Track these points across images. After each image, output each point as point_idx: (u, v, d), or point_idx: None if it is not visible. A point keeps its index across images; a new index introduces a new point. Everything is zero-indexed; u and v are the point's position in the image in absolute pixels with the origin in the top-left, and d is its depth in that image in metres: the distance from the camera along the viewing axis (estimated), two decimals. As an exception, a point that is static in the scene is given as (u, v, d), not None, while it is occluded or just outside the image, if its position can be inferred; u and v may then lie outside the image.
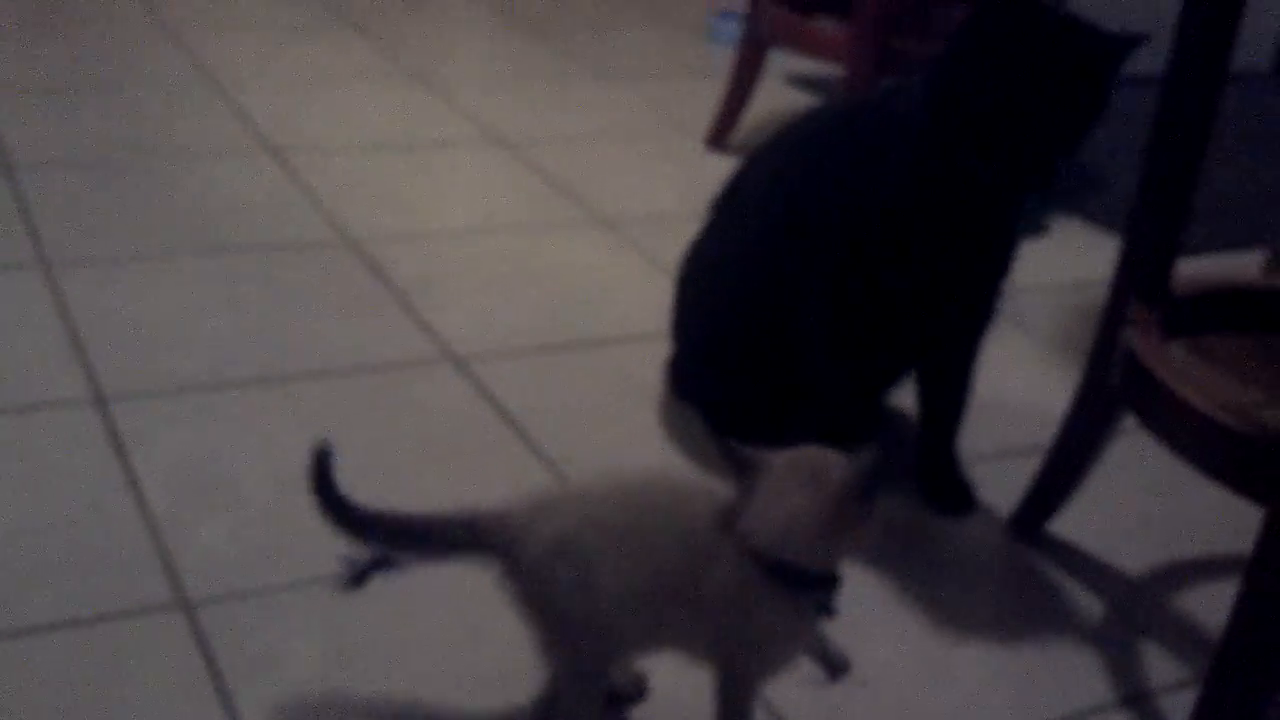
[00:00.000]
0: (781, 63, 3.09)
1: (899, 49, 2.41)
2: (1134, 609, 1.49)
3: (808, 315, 1.59)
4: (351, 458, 1.61)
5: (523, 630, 1.16)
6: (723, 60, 2.86)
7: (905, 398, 1.71)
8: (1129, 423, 1.44)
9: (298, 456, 1.59)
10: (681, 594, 1.10)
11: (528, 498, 1.17)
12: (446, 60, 3.28)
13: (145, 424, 1.63)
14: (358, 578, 1.39)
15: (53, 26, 3.16)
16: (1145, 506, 1.68)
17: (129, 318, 1.88)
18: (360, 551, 1.41)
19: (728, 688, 1.14)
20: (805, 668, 1.28)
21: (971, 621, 1.44)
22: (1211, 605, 1.47)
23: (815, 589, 1.11)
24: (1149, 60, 1.48)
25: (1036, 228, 2.49)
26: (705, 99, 2.86)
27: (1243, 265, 2.34)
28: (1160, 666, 1.40)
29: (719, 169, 1.76)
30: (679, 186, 2.53)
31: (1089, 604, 1.49)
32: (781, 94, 3.08)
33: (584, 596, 1.10)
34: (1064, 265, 2.37)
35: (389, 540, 1.22)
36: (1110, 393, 1.43)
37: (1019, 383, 1.94)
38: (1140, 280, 1.43)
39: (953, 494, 1.63)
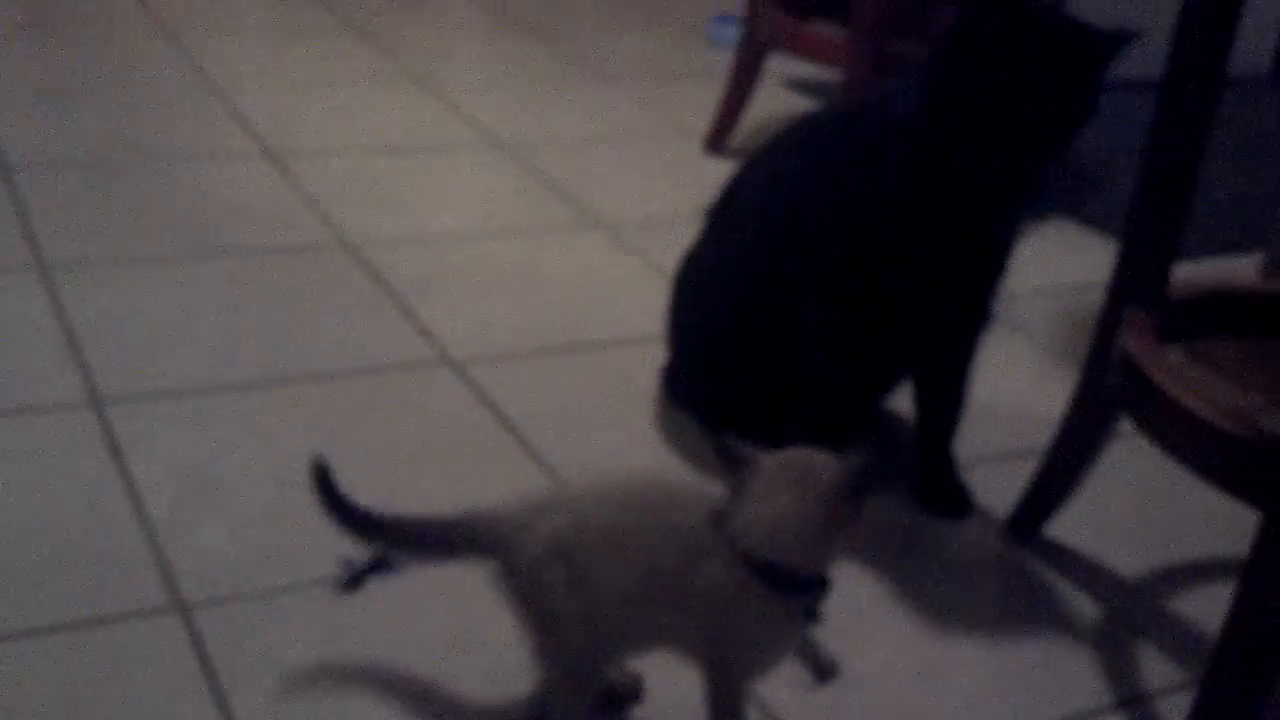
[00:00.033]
0: (780, 66, 3.09)
1: (897, 53, 2.41)
2: (1130, 612, 1.49)
3: (806, 318, 1.59)
4: (349, 460, 1.61)
5: (519, 631, 1.16)
6: (721, 63, 2.86)
7: (902, 401, 1.71)
8: (1125, 426, 1.44)
9: (295, 459, 1.59)
10: (673, 594, 1.11)
11: (522, 499, 1.18)
12: (445, 63, 3.28)
13: (142, 426, 1.63)
14: (354, 580, 1.39)
15: (51, 28, 3.16)
16: (1142, 510, 1.68)
17: (126, 320, 1.88)
18: (357, 554, 1.41)
19: (716, 687, 1.15)
20: (794, 670, 1.28)
21: (968, 624, 1.44)
22: (1208, 608, 1.47)
23: (804, 591, 1.11)
24: (1147, 64, 1.48)
25: (1040, 214, 2.49)
26: (704, 102, 2.86)
27: (1239, 269, 2.34)
28: (1157, 669, 1.40)
29: (717, 172, 1.76)
30: (677, 190, 2.53)
31: (1085, 607, 1.49)
32: (780, 97, 3.08)
33: (577, 597, 1.10)
34: (1061, 269, 2.38)
35: (392, 542, 1.22)
36: (1107, 396, 1.43)
37: (1016, 386, 1.94)
38: (1137, 284, 1.43)
39: (950, 497, 1.64)
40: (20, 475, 1.52)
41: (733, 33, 2.97)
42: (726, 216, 1.71)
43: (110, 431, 1.61)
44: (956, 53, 1.41)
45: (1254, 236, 2.39)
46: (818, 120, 1.69)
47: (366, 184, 2.44)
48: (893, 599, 1.46)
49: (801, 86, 3.20)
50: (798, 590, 1.11)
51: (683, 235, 1.79)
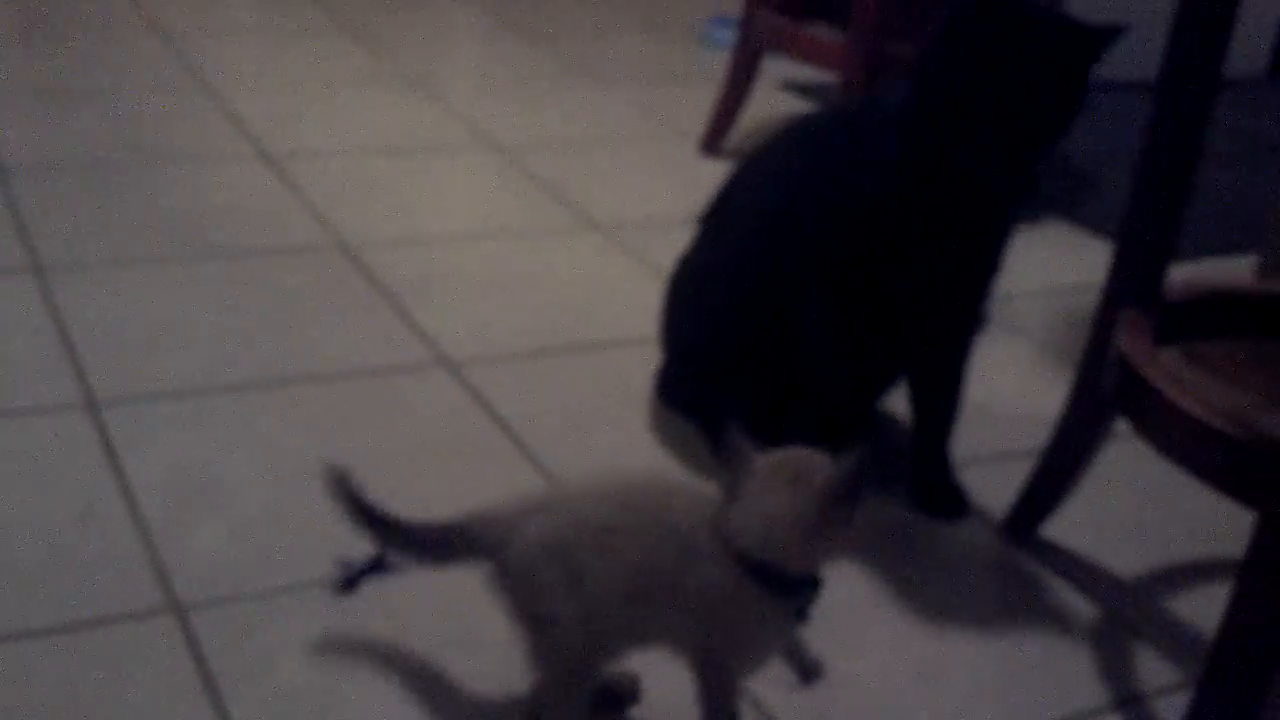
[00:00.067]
0: (776, 68, 3.10)
1: (893, 55, 2.41)
2: (1127, 612, 1.49)
3: (801, 319, 1.59)
4: (347, 461, 1.61)
5: (514, 631, 1.16)
6: (717, 65, 2.87)
7: (899, 402, 1.71)
8: (1122, 427, 1.44)
9: (292, 460, 1.60)
10: (667, 593, 1.11)
11: (515, 499, 1.18)
12: (441, 65, 3.28)
13: (138, 428, 1.63)
14: (351, 581, 1.39)
15: (47, 30, 3.16)
16: (1138, 510, 1.68)
17: (122, 322, 1.87)
18: (354, 555, 1.41)
19: (708, 685, 1.15)
20: (779, 670, 1.28)
21: (965, 625, 1.44)
22: (1204, 608, 1.48)
23: (795, 591, 1.12)
24: (1143, 65, 1.49)
25: (1036, 215, 2.49)
26: (700, 104, 2.87)
27: (1236, 270, 2.34)
28: (1154, 669, 1.40)
29: (713, 174, 1.76)
30: (674, 191, 2.53)
31: (1082, 607, 1.49)
32: (776, 100, 3.09)
33: (571, 596, 1.11)
34: (1057, 270, 2.38)
35: (404, 548, 1.22)
36: (1103, 397, 1.43)
37: (1012, 387, 1.95)
38: (1133, 285, 1.43)
39: (946, 498, 1.64)
40: (16, 477, 1.52)
41: (729, 35, 2.97)
42: (719, 220, 1.71)
43: (106, 433, 1.61)
44: (947, 50, 1.42)
45: (1250, 237, 2.39)
46: (809, 121, 1.69)
47: (364, 185, 2.44)
48: (889, 599, 1.47)
49: (798, 88, 3.21)
50: (790, 591, 1.11)
51: (679, 237, 1.79)
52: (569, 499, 1.17)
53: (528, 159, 2.65)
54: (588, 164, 2.66)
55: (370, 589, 1.39)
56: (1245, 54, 3.75)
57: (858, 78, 2.43)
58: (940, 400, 1.64)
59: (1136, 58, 1.41)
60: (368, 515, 1.21)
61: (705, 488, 1.20)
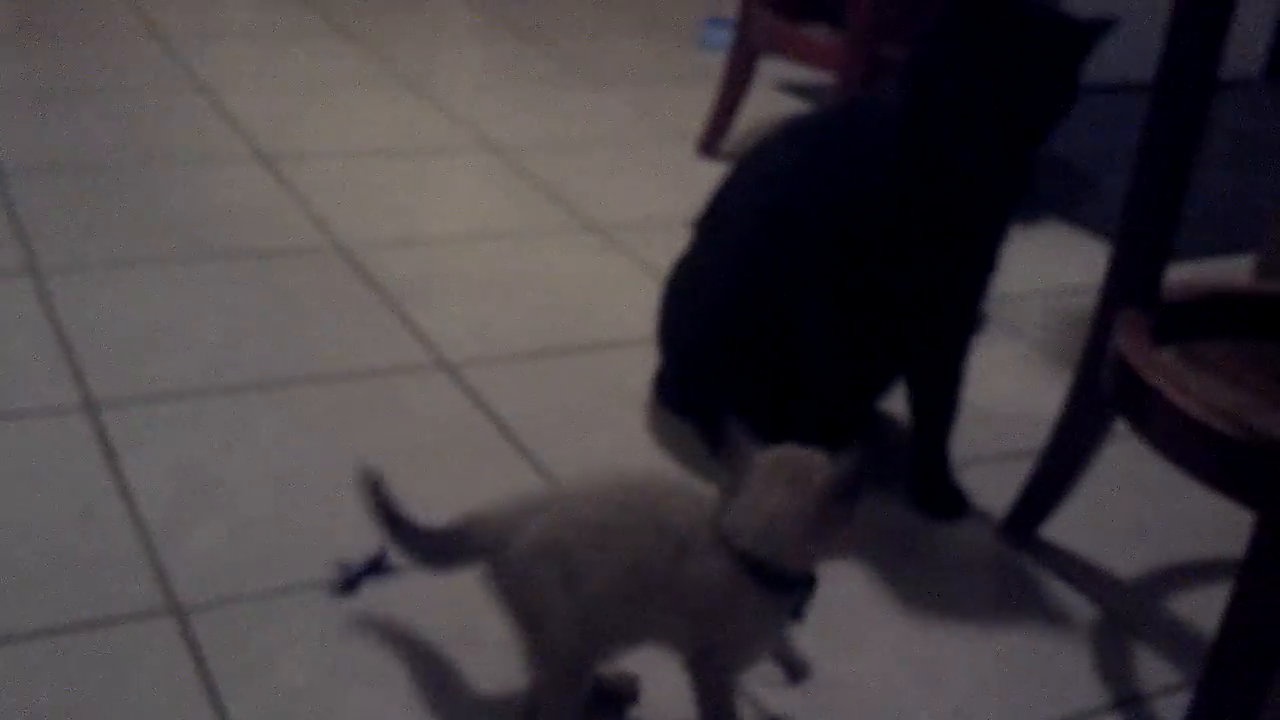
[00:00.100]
0: (773, 69, 3.10)
1: (889, 56, 2.41)
2: (1127, 612, 1.49)
3: (801, 319, 1.59)
4: (344, 463, 1.61)
5: (512, 633, 1.16)
6: (714, 67, 2.87)
7: (898, 403, 1.71)
8: (1121, 427, 1.44)
9: (291, 461, 1.60)
10: (662, 591, 1.11)
11: (512, 500, 1.18)
12: (438, 66, 3.29)
13: (137, 430, 1.63)
14: (351, 582, 1.40)
15: (45, 32, 3.16)
16: (1137, 511, 1.68)
17: (121, 323, 1.87)
18: (353, 556, 1.41)
19: (704, 682, 1.16)
20: (767, 670, 1.28)
21: (964, 625, 1.44)
22: (1204, 608, 1.48)
23: (792, 590, 1.12)
24: (1140, 66, 1.49)
25: (1034, 215, 2.50)
26: (697, 105, 2.87)
27: (1233, 271, 2.35)
28: (1153, 670, 1.40)
29: (711, 175, 1.76)
30: (671, 192, 2.53)
31: (1081, 608, 1.49)
32: (773, 101, 3.09)
33: (567, 595, 1.11)
34: (1055, 270, 2.38)
35: (421, 554, 1.23)
36: (1101, 398, 1.43)
37: (1011, 387, 1.95)
38: (1131, 285, 1.43)
39: (945, 498, 1.64)
40: (16, 478, 1.52)
41: (725, 36, 2.97)
42: (715, 222, 1.71)
43: (105, 434, 1.61)
44: (939, 46, 1.42)
45: (1247, 238, 2.40)
46: (803, 122, 1.69)
47: (362, 187, 2.44)
48: (889, 600, 1.47)
49: (795, 89, 3.21)
50: (787, 588, 1.12)
51: (677, 238, 1.79)
52: (566, 499, 1.17)
53: (525, 160, 2.65)
54: (585, 165, 2.66)
55: (370, 590, 1.39)
56: (1242, 55, 3.75)
57: (854, 79, 2.43)
58: (939, 400, 1.64)
59: (1134, 58, 1.42)
60: (395, 523, 1.21)
61: (703, 488, 1.20)
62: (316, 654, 1.29)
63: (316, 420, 1.69)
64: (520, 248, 2.27)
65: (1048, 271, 2.37)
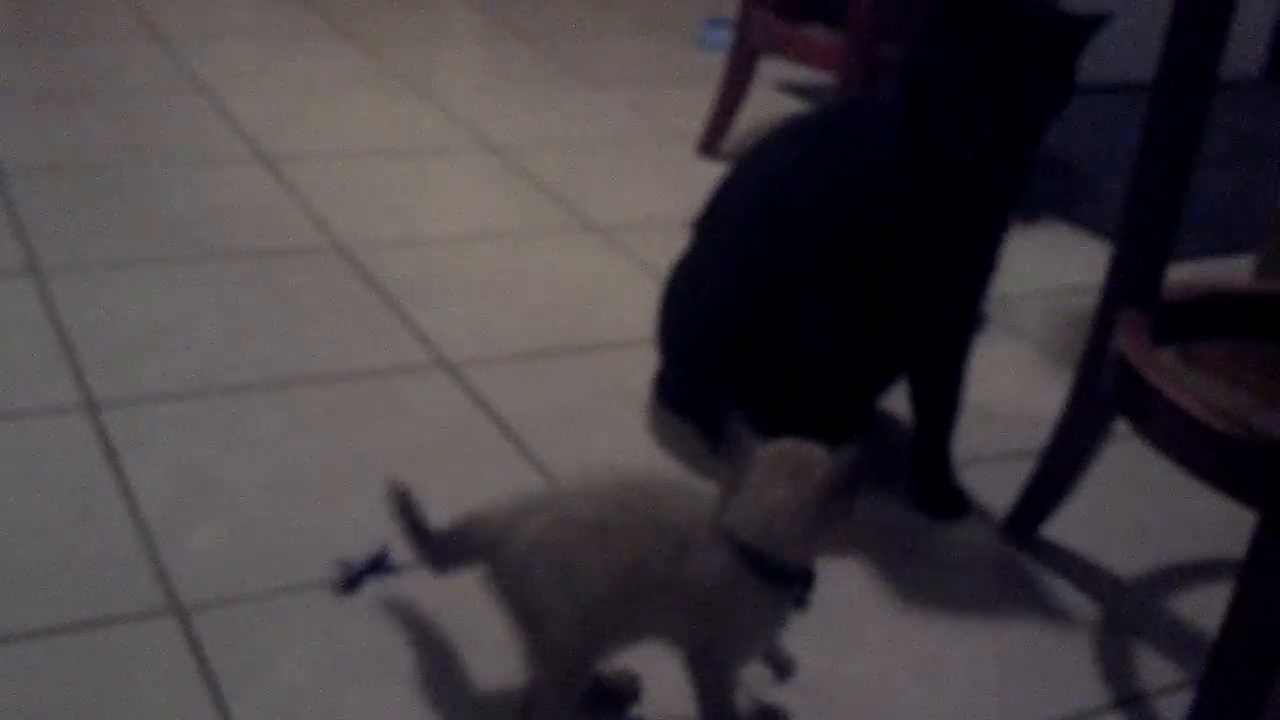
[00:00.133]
0: (773, 70, 3.10)
1: (889, 56, 2.41)
2: (1128, 612, 1.49)
3: (800, 318, 1.59)
4: (345, 463, 1.61)
5: (512, 632, 1.16)
6: (714, 67, 2.87)
7: (899, 402, 1.71)
8: (1121, 427, 1.44)
9: (291, 462, 1.60)
10: (661, 589, 1.12)
11: (510, 499, 1.18)
12: (438, 66, 3.29)
13: (137, 429, 1.63)
14: (352, 582, 1.40)
15: (45, 32, 3.16)
16: (1138, 510, 1.68)
17: (121, 323, 1.87)
18: (353, 556, 1.41)
19: (704, 679, 1.16)
20: (754, 669, 1.28)
21: (965, 625, 1.44)
22: (1205, 607, 1.48)
23: (791, 583, 1.13)
24: (1140, 66, 1.49)
25: (1034, 215, 2.50)
26: (697, 106, 2.87)
27: (1233, 271, 2.35)
28: (1155, 669, 1.40)
29: (711, 175, 1.76)
30: (671, 193, 2.53)
31: (1083, 607, 1.49)
32: (773, 101, 3.09)
33: (566, 594, 1.11)
34: (1055, 271, 2.38)
35: (433, 560, 1.23)
36: (1102, 397, 1.43)
37: (1012, 387, 1.95)
38: (1131, 286, 1.43)
39: (946, 498, 1.64)
40: (16, 478, 1.52)
41: (725, 36, 2.97)
42: (714, 222, 1.71)
43: (105, 434, 1.61)
44: (934, 42, 1.42)
45: (1247, 238, 2.40)
46: (801, 121, 1.69)
47: (361, 187, 2.44)
48: (889, 599, 1.47)
49: (794, 90, 3.21)
50: (786, 582, 1.12)
51: (676, 238, 1.79)
52: (564, 499, 1.18)
53: (526, 160, 2.65)
54: (586, 165, 2.66)
55: (371, 589, 1.39)
56: (1242, 55, 3.76)
57: (854, 79, 2.43)
58: (940, 400, 1.64)
59: (1134, 58, 1.42)
60: (418, 532, 1.21)
61: (703, 487, 1.20)
62: (318, 653, 1.30)
63: (317, 420, 1.69)
64: (520, 248, 2.27)
65: (1048, 271, 2.37)
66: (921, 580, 1.51)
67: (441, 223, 2.37)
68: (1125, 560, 1.58)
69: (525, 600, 1.14)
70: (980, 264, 1.57)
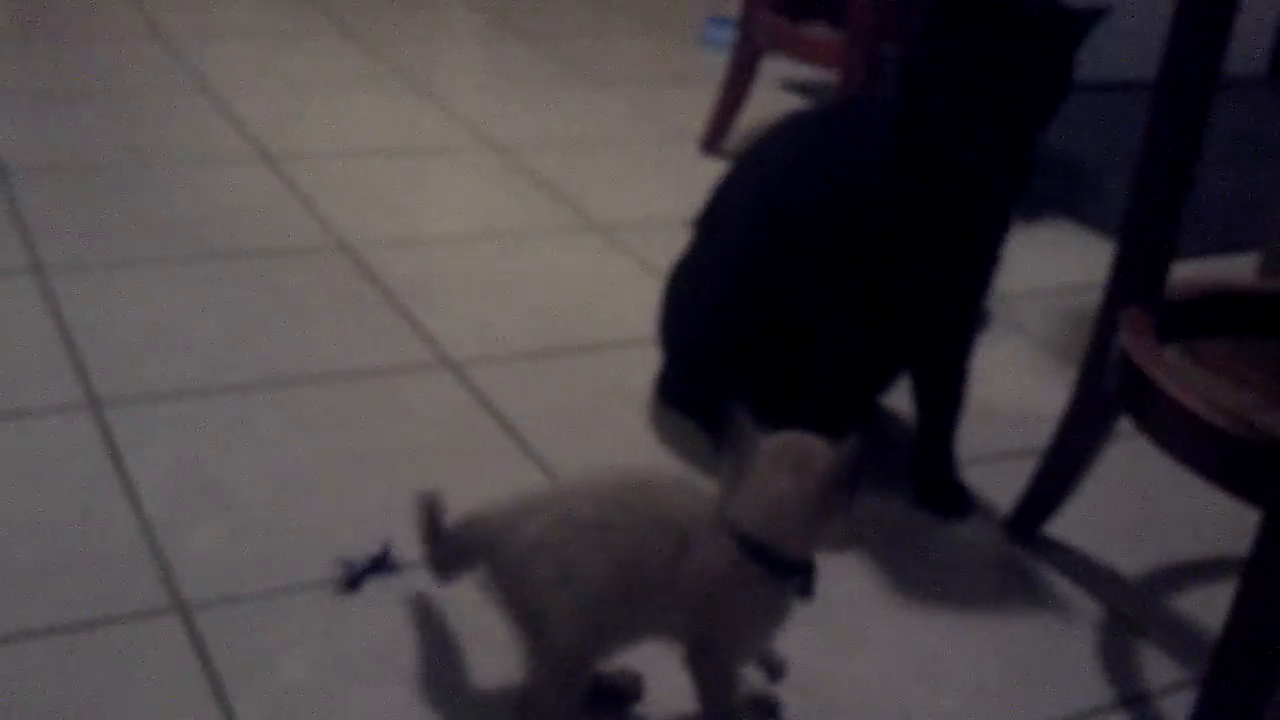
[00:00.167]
0: (775, 68, 3.09)
1: (891, 55, 2.41)
2: (1131, 610, 1.49)
3: (802, 316, 1.59)
4: (347, 462, 1.61)
5: (512, 633, 1.17)
6: (717, 66, 2.87)
7: (903, 401, 1.71)
8: (1125, 425, 1.44)
9: (293, 461, 1.60)
10: (661, 588, 1.12)
11: (509, 500, 1.18)
12: (440, 66, 3.29)
13: (140, 428, 1.63)
14: (354, 580, 1.40)
15: (46, 31, 3.16)
16: (1142, 509, 1.68)
17: (123, 322, 1.87)
18: (355, 555, 1.41)
19: (705, 681, 1.16)
20: (746, 671, 1.28)
21: (967, 623, 1.44)
22: (1209, 606, 1.48)
23: (792, 575, 1.13)
24: (1143, 64, 1.49)
25: (1037, 214, 2.50)
26: (700, 104, 2.87)
27: (1236, 269, 2.34)
28: (1158, 668, 1.40)
29: (713, 174, 1.76)
30: (673, 192, 2.53)
31: (1086, 606, 1.49)
32: (775, 99, 3.09)
33: (566, 592, 1.11)
34: (1059, 269, 2.38)
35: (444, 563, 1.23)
36: (1106, 396, 1.43)
37: (1015, 386, 1.95)
38: (1135, 284, 1.43)
39: (950, 497, 1.64)
40: (19, 477, 1.52)
41: (728, 35, 2.97)
42: (715, 220, 1.71)
43: (108, 433, 1.61)
44: (933, 39, 1.42)
45: (1251, 236, 2.40)
46: (800, 119, 1.69)
47: (363, 186, 2.44)
48: (892, 598, 1.46)
49: (797, 88, 3.21)
50: (787, 573, 1.12)
51: (678, 237, 1.79)
52: (563, 499, 1.18)
53: (528, 160, 2.65)
54: (588, 165, 2.66)
55: (373, 588, 1.39)
56: (1245, 53, 3.75)
57: (857, 77, 2.43)
58: (943, 398, 1.64)
59: (1137, 56, 1.42)
60: (436, 542, 1.21)
61: (704, 485, 1.20)
62: (319, 652, 1.29)
63: (318, 419, 1.69)
64: (522, 247, 2.27)
65: (1051, 270, 2.37)
66: (924, 579, 1.51)
67: (443, 222, 2.36)
68: (1128, 559, 1.58)
69: (525, 601, 1.14)
70: (981, 262, 1.56)
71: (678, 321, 1.74)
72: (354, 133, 2.71)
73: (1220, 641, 1.20)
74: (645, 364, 1.83)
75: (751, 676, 1.28)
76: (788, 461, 1.12)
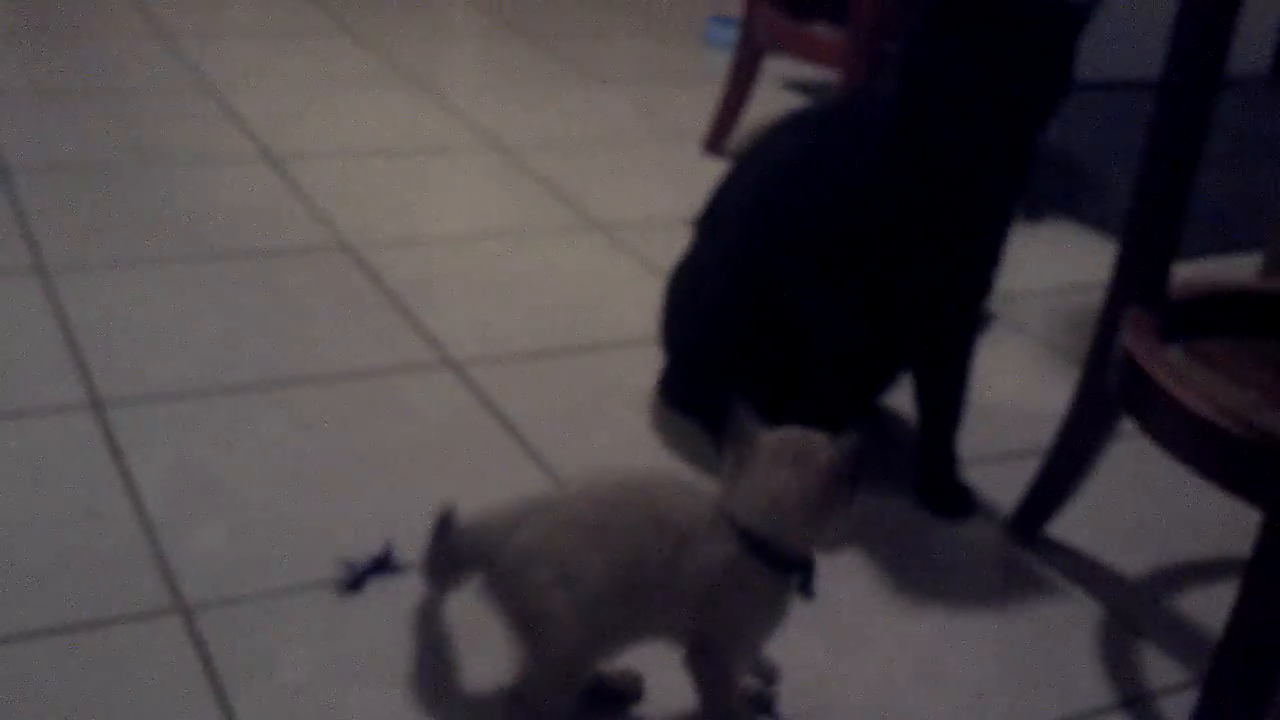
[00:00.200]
0: (778, 67, 3.09)
1: (893, 52, 2.41)
2: (1132, 611, 1.49)
3: (803, 315, 1.59)
4: (348, 462, 1.61)
5: (511, 636, 1.16)
6: (719, 65, 2.87)
7: (905, 401, 1.71)
8: (1127, 426, 1.44)
9: (295, 460, 1.60)
10: (662, 587, 1.12)
11: (507, 504, 1.18)
12: (442, 65, 3.28)
13: (142, 428, 1.63)
14: (355, 581, 1.39)
15: (48, 30, 3.16)
16: (1143, 509, 1.68)
17: (125, 322, 1.87)
18: (356, 555, 1.41)
19: (705, 682, 1.16)
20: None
21: (969, 623, 1.44)
22: (1210, 607, 1.47)
23: (792, 571, 1.13)
24: (1146, 64, 1.49)
25: (1039, 214, 2.50)
26: (702, 104, 2.87)
27: (1238, 269, 2.34)
28: (1159, 668, 1.40)
29: (716, 173, 1.76)
30: (675, 191, 2.53)
31: (1088, 606, 1.49)
32: (778, 99, 3.08)
33: (565, 594, 1.11)
34: (1061, 269, 2.38)
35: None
36: (1108, 395, 1.43)
37: (1017, 386, 1.94)
38: (1137, 284, 1.43)
39: (952, 497, 1.64)
40: (20, 477, 1.52)
41: (731, 34, 2.97)
42: (715, 219, 1.71)
43: (110, 433, 1.61)
44: (932, 36, 1.42)
45: (1253, 236, 2.39)
46: (800, 118, 1.69)
47: (364, 186, 2.44)
48: (893, 598, 1.46)
49: (800, 87, 3.21)
50: (787, 569, 1.13)
51: (680, 237, 1.79)
52: (562, 501, 1.18)
53: (529, 159, 2.65)
54: (589, 164, 2.66)
55: (374, 588, 1.39)
56: (1247, 53, 3.75)
57: (859, 76, 2.43)
58: (945, 398, 1.64)
59: (1139, 56, 1.42)
60: (442, 555, 1.21)
61: (705, 485, 1.20)
62: (320, 652, 1.29)
63: (319, 419, 1.69)
64: (523, 247, 2.26)
65: (1053, 269, 2.37)
66: (925, 579, 1.50)
67: (444, 222, 2.36)
68: (1130, 559, 1.57)
69: (525, 604, 1.14)
70: (982, 261, 1.56)
71: (679, 322, 1.74)
72: (355, 132, 2.71)
73: (1221, 642, 1.20)
74: (646, 364, 1.83)
75: (745, 682, 1.28)
76: (788, 456, 1.12)
